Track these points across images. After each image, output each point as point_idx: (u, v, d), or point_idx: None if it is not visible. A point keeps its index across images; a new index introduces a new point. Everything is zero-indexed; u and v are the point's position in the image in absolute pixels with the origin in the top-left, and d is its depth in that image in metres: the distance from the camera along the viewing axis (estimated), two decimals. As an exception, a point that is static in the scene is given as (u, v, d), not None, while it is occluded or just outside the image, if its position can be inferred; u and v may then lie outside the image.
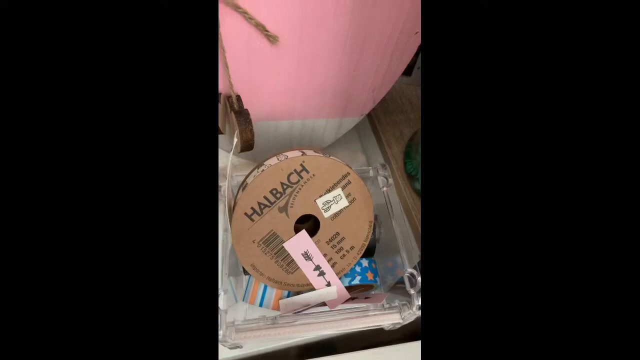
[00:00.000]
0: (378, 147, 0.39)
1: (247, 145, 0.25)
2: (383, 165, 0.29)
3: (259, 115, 0.28)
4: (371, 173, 0.29)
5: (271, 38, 0.22)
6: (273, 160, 0.24)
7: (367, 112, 0.32)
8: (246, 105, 0.26)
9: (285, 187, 0.24)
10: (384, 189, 0.28)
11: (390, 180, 0.28)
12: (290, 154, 0.24)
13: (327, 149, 0.36)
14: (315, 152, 0.25)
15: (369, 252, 0.29)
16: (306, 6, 0.21)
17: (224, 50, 0.22)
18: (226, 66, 0.23)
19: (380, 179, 0.28)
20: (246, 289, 0.27)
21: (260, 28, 0.22)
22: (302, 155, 0.24)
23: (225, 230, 0.26)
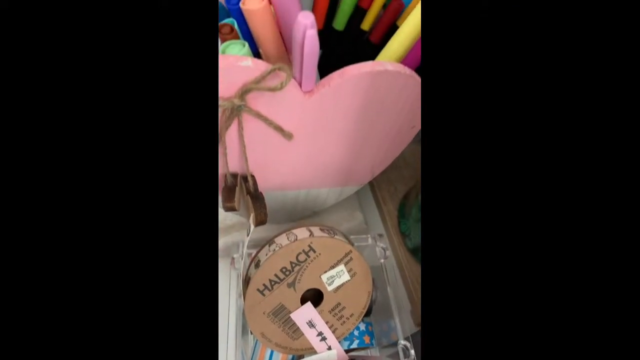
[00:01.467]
0: (375, 204, 0.42)
1: (259, 223, 0.27)
2: (380, 235, 0.32)
3: (269, 187, 0.31)
4: (369, 241, 0.32)
5: (286, 135, 0.25)
6: (283, 240, 0.27)
7: (366, 182, 0.35)
8: (258, 180, 0.29)
9: (294, 265, 0.26)
10: (382, 260, 0.30)
11: (388, 252, 0.30)
12: (299, 234, 0.27)
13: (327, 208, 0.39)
14: (321, 230, 0.28)
15: (366, 313, 0.32)
16: (319, 113, 0.24)
17: (244, 140, 0.25)
18: (245, 155, 0.26)
19: (377, 250, 0.31)
20: (253, 352, 0.29)
21: (278, 129, 0.25)
22: (309, 235, 0.27)
23: (240, 296, 0.28)
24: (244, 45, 0.21)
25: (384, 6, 0.29)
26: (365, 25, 0.30)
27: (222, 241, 0.36)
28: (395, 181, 0.44)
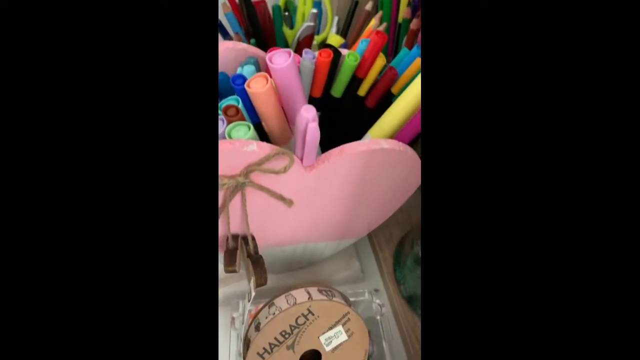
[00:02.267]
0: (371, 251, 0.43)
1: (260, 286, 0.28)
2: (376, 291, 0.33)
3: (268, 245, 0.32)
4: (366, 295, 0.33)
5: (287, 203, 0.26)
6: (283, 303, 0.28)
7: (363, 235, 0.36)
8: (258, 240, 0.30)
9: (293, 328, 0.27)
10: (378, 317, 0.31)
11: (384, 310, 0.31)
12: (298, 297, 0.28)
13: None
14: (319, 291, 0.29)
15: (362, 367, 0.32)
16: (318, 184, 0.26)
17: (246, 210, 0.26)
18: (247, 221, 0.27)
19: (374, 306, 0.32)
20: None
21: (279, 198, 0.26)
22: (308, 298, 0.28)
23: (239, 355, 0.28)
24: (250, 128, 0.23)
25: (380, 74, 0.31)
26: (362, 91, 0.31)
27: (222, 291, 0.37)
28: (390, 226, 0.45)
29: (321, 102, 0.31)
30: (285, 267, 0.37)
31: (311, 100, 0.30)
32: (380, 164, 0.25)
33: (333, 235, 0.33)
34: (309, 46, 0.40)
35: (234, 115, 0.23)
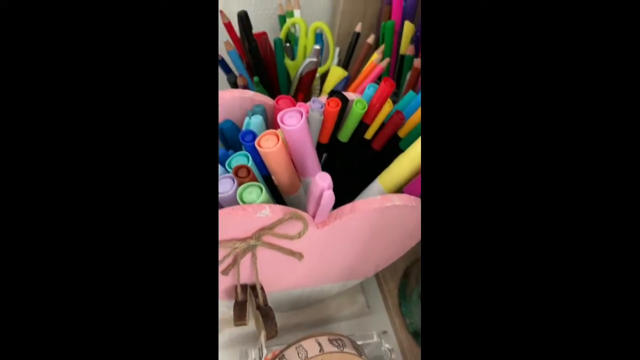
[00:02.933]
0: (377, 284, 0.43)
1: (270, 339, 0.28)
2: (384, 332, 0.33)
3: (276, 291, 0.31)
4: (375, 338, 0.33)
5: (297, 256, 0.26)
6: (293, 356, 0.27)
7: (370, 276, 0.36)
8: (265, 286, 0.29)
9: (305, 382, 0.27)
10: (387, 362, 0.31)
11: (394, 355, 0.31)
12: (309, 349, 0.27)
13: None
14: (329, 341, 0.28)
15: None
16: (329, 239, 0.25)
17: (256, 267, 0.26)
18: (257, 277, 0.27)
19: (383, 349, 0.32)
20: None
21: (289, 254, 0.25)
22: (320, 351, 0.27)
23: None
24: (262, 190, 0.22)
25: (386, 117, 0.31)
26: (368, 134, 0.31)
27: (227, 333, 0.37)
28: (394, 257, 0.45)
29: (328, 146, 0.31)
30: (292, 307, 0.37)
31: (318, 146, 0.30)
32: (392, 218, 0.25)
33: (341, 277, 0.33)
34: (312, 81, 0.40)
35: (245, 177, 0.23)
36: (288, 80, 0.44)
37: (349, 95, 0.31)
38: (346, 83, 0.41)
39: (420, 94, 0.30)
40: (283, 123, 0.23)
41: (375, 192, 0.29)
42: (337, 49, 0.45)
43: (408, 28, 0.41)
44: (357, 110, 0.28)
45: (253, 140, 0.24)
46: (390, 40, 0.43)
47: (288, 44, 0.44)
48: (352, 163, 0.33)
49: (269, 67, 0.41)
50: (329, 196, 0.20)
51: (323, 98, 0.30)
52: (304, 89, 0.41)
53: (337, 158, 0.33)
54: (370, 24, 0.49)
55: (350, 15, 0.47)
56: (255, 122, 0.27)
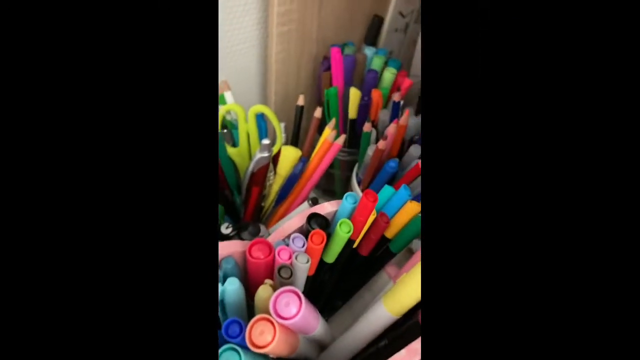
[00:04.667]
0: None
1: None
2: None
3: None
4: None
5: None
6: None
7: None
8: None
9: None
10: None
11: None
12: None
13: None
14: None
15: None
16: None
17: None
18: None
19: None
20: None
21: None
22: None
23: None
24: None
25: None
26: (356, 242, 0.28)
27: None
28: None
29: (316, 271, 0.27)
30: None
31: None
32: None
33: None
34: (265, 175, 0.35)
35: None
36: (235, 170, 0.38)
37: (324, 207, 0.27)
38: (303, 166, 0.37)
39: (401, 192, 0.28)
40: (280, 316, 0.18)
41: (382, 318, 0.25)
42: (282, 124, 0.40)
43: (354, 94, 0.38)
44: (343, 234, 0.24)
45: (240, 333, 0.19)
46: (335, 106, 0.40)
47: (225, 130, 0.39)
48: (341, 274, 0.29)
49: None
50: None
51: (294, 224, 0.26)
52: (258, 183, 0.36)
53: (325, 275, 0.29)
54: (305, 86, 0.45)
55: (284, 79, 0.43)
56: (230, 290, 0.22)
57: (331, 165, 0.44)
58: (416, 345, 0.21)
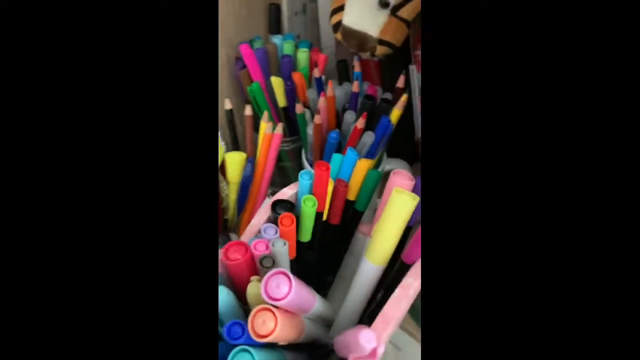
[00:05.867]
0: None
1: None
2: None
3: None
4: None
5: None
6: None
7: None
8: None
9: None
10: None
11: None
12: None
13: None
14: None
15: None
16: None
17: None
18: None
19: None
20: None
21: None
22: None
23: None
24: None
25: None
26: (324, 214, 0.29)
27: None
28: None
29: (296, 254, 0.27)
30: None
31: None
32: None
33: None
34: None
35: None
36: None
37: (284, 193, 0.28)
38: (252, 167, 0.37)
39: (348, 154, 0.29)
40: (273, 298, 0.18)
41: (370, 273, 0.26)
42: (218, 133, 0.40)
43: (277, 83, 0.38)
44: (309, 209, 0.25)
45: (243, 333, 0.19)
46: (263, 100, 0.40)
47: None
48: (320, 249, 0.30)
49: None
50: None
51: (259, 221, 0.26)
52: (214, 196, 0.36)
53: (306, 261, 0.29)
54: (228, 90, 0.45)
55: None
56: (222, 299, 0.22)
57: (280, 159, 0.44)
58: (406, 280, 0.23)
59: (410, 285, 0.22)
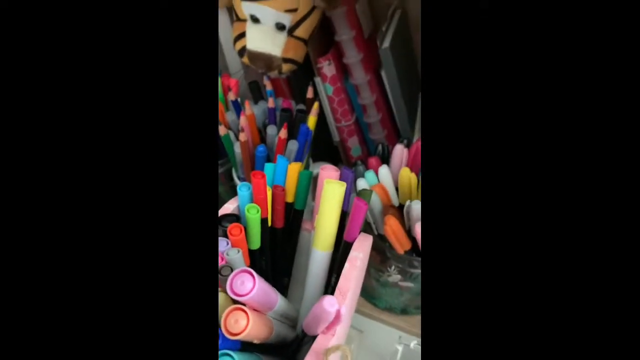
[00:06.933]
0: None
1: None
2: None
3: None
4: None
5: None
6: None
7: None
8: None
9: None
10: None
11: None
12: None
13: None
14: None
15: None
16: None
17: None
18: None
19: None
20: None
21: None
22: None
23: None
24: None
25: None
26: (269, 220, 0.31)
27: None
28: None
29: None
30: None
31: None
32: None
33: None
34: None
35: None
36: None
37: (226, 208, 0.29)
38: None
39: (279, 161, 0.31)
40: (239, 295, 0.20)
41: (320, 259, 0.29)
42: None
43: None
44: (254, 216, 0.27)
45: (223, 340, 0.20)
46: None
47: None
48: (271, 253, 0.32)
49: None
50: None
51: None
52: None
53: (257, 261, 0.31)
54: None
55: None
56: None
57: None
58: (352, 254, 0.26)
59: (357, 258, 0.26)
